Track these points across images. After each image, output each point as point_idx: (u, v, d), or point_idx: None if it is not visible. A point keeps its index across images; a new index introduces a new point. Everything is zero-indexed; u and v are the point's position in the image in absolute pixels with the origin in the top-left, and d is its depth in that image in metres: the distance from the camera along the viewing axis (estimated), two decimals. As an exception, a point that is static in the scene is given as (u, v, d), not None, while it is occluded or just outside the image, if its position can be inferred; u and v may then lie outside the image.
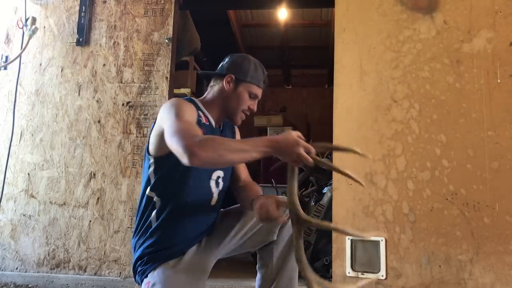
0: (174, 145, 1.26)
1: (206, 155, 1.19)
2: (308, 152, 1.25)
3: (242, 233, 1.55)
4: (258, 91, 1.63)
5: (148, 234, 1.48)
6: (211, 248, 1.52)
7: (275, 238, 1.57)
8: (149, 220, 1.49)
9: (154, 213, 1.48)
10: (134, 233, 1.54)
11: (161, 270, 1.42)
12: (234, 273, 2.53)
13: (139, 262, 1.47)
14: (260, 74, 1.64)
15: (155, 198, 1.49)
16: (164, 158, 1.46)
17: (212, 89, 1.64)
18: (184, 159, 1.21)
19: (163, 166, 1.49)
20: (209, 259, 1.51)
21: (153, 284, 1.41)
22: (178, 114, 1.37)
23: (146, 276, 1.44)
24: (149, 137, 1.53)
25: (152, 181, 1.50)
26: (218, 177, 1.59)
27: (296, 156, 1.24)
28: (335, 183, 2.48)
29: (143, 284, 1.45)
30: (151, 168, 1.51)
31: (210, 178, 1.56)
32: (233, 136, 1.72)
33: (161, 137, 1.41)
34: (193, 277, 1.45)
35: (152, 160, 1.51)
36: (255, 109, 1.64)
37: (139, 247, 1.49)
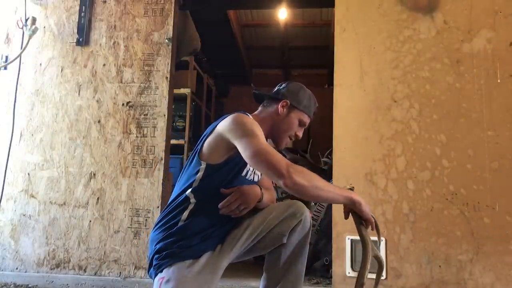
0: (265, 166, 1.40)
1: (302, 182, 1.37)
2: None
3: (254, 237, 1.57)
4: (307, 120, 1.73)
5: (173, 230, 1.51)
6: (225, 252, 1.55)
7: (285, 241, 1.61)
8: (178, 218, 1.52)
9: (186, 212, 1.53)
10: (156, 226, 1.57)
11: (176, 268, 1.45)
12: (234, 273, 2.52)
13: (157, 255, 1.50)
14: (313, 105, 1.73)
15: (191, 200, 1.54)
16: (217, 167, 1.54)
17: (265, 109, 1.71)
18: (280, 181, 1.37)
19: (213, 174, 1.54)
20: (222, 262, 1.53)
21: (167, 281, 1.43)
22: (253, 133, 1.47)
23: (161, 271, 1.47)
24: (202, 142, 1.58)
25: (196, 184, 1.54)
26: None
27: (367, 215, 1.49)
28: (335, 183, 2.47)
29: (156, 279, 1.48)
30: (200, 173, 1.55)
31: None
32: None
33: (221, 147, 1.53)
34: (206, 279, 1.48)
35: (203, 166, 1.55)
36: (301, 136, 1.73)
37: (161, 241, 1.51)
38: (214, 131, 1.57)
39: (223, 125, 1.55)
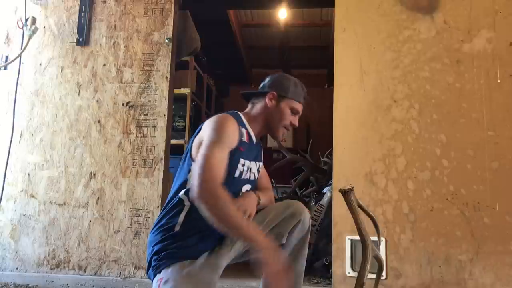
0: (197, 172, 1.39)
1: (205, 205, 1.35)
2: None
3: None
4: (299, 107, 1.70)
5: (171, 232, 1.51)
6: (223, 252, 1.55)
7: (284, 241, 1.61)
8: (174, 220, 1.52)
9: (182, 214, 1.52)
10: (154, 228, 1.57)
11: (175, 269, 1.45)
12: (234, 273, 2.52)
13: (155, 257, 1.50)
14: (300, 90, 1.72)
15: (186, 202, 1.53)
16: None
17: (255, 106, 1.71)
18: (193, 192, 1.37)
19: None
20: (221, 262, 1.53)
21: (166, 281, 1.43)
22: (218, 140, 1.46)
23: (160, 272, 1.47)
24: (192, 142, 1.58)
25: (189, 185, 1.53)
26: (247, 190, 1.65)
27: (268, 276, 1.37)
28: (335, 183, 2.48)
29: (155, 280, 1.48)
30: (191, 173, 1.54)
31: (240, 190, 1.62)
32: (260, 146, 1.79)
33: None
34: (205, 279, 1.47)
35: (193, 166, 1.54)
36: (297, 124, 1.71)
37: (159, 242, 1.51)
38: (202, 129, 1.58)
39: (204, 124, 1.56)
